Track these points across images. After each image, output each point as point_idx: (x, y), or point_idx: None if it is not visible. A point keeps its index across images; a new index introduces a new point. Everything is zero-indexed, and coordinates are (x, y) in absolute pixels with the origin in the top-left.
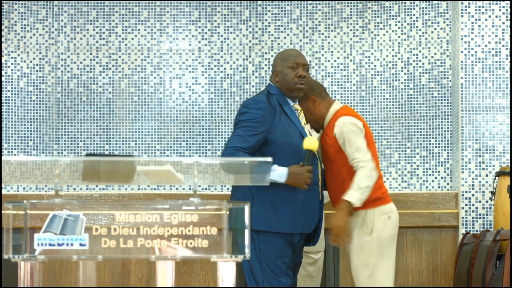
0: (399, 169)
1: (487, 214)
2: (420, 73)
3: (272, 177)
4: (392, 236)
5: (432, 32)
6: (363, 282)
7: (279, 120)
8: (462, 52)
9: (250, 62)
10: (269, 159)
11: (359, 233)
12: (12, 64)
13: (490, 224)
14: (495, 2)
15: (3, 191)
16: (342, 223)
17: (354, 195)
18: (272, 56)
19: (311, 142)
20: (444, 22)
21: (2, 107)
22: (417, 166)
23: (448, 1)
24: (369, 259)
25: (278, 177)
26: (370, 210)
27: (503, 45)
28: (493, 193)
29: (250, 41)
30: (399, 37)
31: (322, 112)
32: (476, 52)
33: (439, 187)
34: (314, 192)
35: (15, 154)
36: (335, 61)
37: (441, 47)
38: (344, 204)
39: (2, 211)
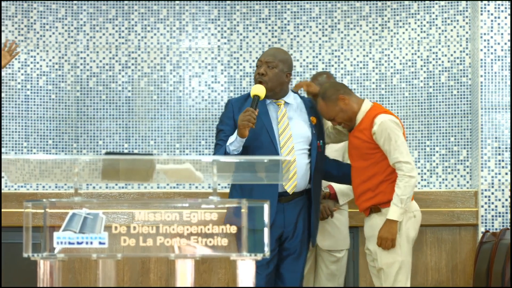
0: (419, 168)
1: (506, 212)
2: (439, 71)
3: (229, 143)
4: (416, 235)
5: (452, 30)
6: (391, 281)
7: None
8: (481, 50)
9: None
10: (289, 157)
11: None
12: (31, 63)
13: (510, 223)
14: None
15: (23, 190)
16: (390, 236)
17: (395, 211)
18: (291, 54)
19: (259, 88)
20: (464, 20)
21: (21, 106)
22: (437, 164)
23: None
24: (397, 257)
25: (233, 139)
26: None
27: None
28: None
29: (269, 40)
30: (418, 35)
31: (354, 108)
32: (495, 50)
33: (458, 185)
34: (272, 188)
35: (34, 153)
36: (354, 59)
37: (461, 45)
38: (389, 221)
39: (22, 210)
